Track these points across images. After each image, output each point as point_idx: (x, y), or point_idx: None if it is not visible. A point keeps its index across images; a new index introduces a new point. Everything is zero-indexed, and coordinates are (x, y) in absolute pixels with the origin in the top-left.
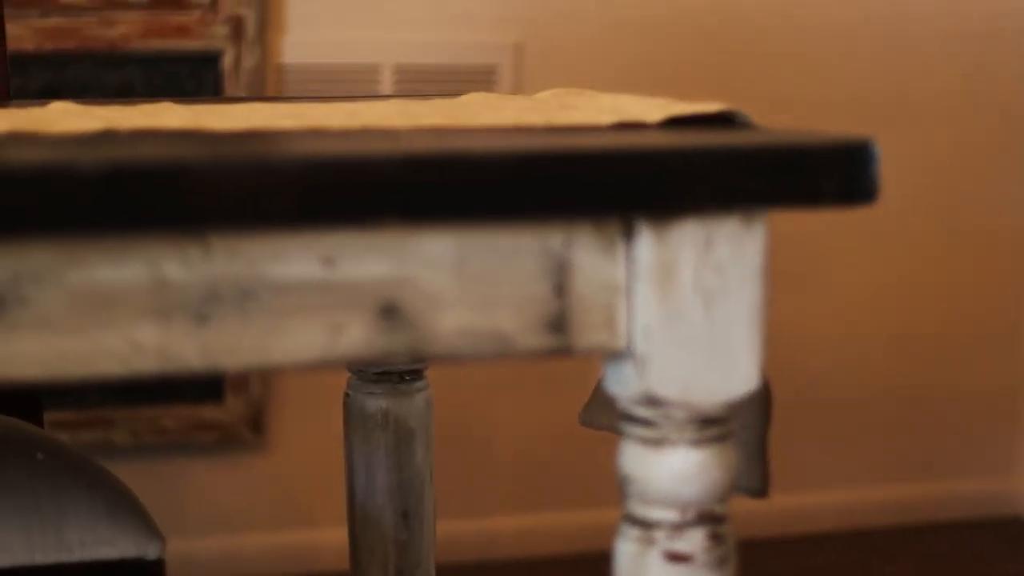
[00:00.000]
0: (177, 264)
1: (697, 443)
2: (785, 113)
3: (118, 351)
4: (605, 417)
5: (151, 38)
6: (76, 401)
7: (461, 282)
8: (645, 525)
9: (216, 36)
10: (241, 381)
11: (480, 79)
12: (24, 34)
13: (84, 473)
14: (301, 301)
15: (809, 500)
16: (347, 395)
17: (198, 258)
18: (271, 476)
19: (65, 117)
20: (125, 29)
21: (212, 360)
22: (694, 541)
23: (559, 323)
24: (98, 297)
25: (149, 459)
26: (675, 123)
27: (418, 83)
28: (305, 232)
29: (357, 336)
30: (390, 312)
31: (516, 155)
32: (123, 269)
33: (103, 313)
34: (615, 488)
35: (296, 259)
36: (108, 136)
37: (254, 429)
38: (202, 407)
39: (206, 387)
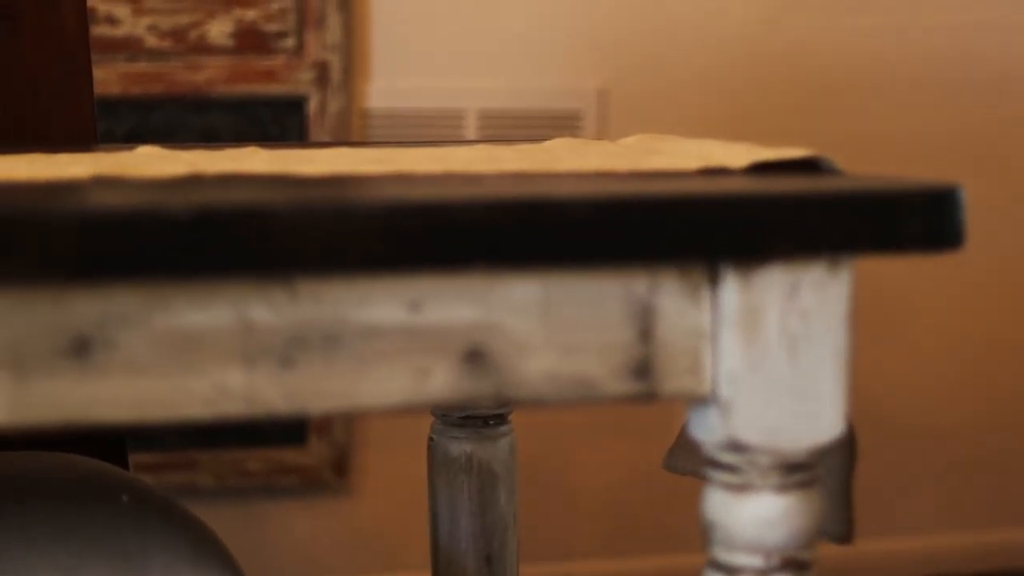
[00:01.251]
0: (263, 308)
1: (782, 489)
2: (871, 160)
3: (204, 394)
4: (689, 462)
5: (237, 83)
6: (160, 443)
7: (546, 327)
8: (730, 571)
9: (302, 81)
10: (325, 424)
11: (564, 124)
12: (111, 78)
13: (169, 516)
14: (387, 345)
15: (894, 546)
16: (431, 439)
17: (284, 302)
18: (354, 519)
19: (151, 161)
20: (211, 74)
21: (298, 404)
22: None
23: (644, 368)
24: (184, 340)
25: (232, 502)
26: (760, 169)
27: (503, 129)
28: (391, 277)
29: (443, 380)
30: (476, 357)
31: (601, 200)
32: (209, 313)
33: (189, 356)
34: (699, 533)
35: (382, 303)
36: (194, 180)
37: (337, 472)
38: (286, 450)
39: (290, 430)
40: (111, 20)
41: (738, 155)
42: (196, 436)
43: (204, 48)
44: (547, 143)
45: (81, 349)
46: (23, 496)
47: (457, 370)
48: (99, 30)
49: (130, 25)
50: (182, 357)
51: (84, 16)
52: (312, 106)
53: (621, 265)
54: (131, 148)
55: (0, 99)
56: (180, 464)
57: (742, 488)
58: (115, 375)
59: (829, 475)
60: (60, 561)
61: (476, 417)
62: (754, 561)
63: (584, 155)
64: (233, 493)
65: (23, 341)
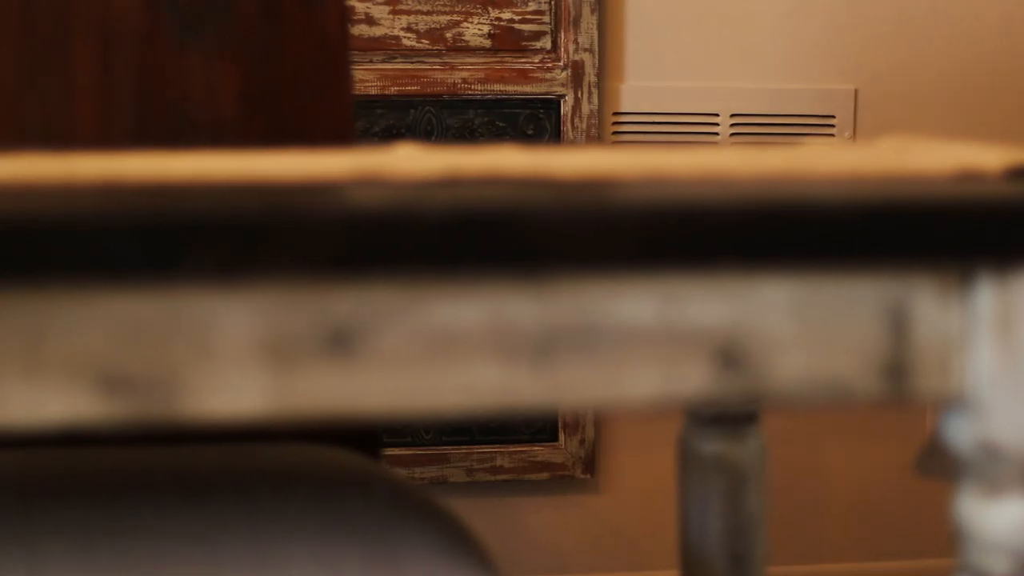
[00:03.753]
0: (518, 305)
1: None
2: None
3: (460, 389)
4: (941, 466)
5: (492, 83)
6: (413, 437)
7: (799, 328)
8: (980, 575)
9: (556, 81)
10: (575, 422)
11: (817, 127)
12: (368, 78)
13: (423, 510)
14: (640, 343)
15: None
16: (682, 439)
17: (540, 299)
18: (603, 517)
19: (410, 160)
20: (467, 73)
21: (551, 400)
22: None
23: (897, 370)
24: (441, 336)
25: (483, 497)
26: (1016, 172)
27: (755, 130)
28: (646, 276)
29: (695, 380)
30: (728, 356)
31: (855, 203)
32: (466, 309)
33: (446, 352)
34: (950, 537)
35: (636, 302)
36: (452, 180)
37: (587, 470)
38: (536, 447)
39: (540, 427)
40: (369, 20)
41: (993, 158)
42: (447, 430)
43: (460, 48)
44: (801, 145)
45: (340, 343)
46: (281, 489)
47: (710, 369)
48: (357, 30)
49: (388, 25)
50: (439, 352)
51: (344, 16)
52: (566, 106)
53: (876, 267)
54: (389, 147)
55: (262, 98)
56: (432, 458)
57: (995, 491)
58: (373, 369)
59: None
60: (317, 553)
61: (727, 417)
62: (1006, 565)
63: (838, 157)
64: (483, 488)
65: (285, 334)
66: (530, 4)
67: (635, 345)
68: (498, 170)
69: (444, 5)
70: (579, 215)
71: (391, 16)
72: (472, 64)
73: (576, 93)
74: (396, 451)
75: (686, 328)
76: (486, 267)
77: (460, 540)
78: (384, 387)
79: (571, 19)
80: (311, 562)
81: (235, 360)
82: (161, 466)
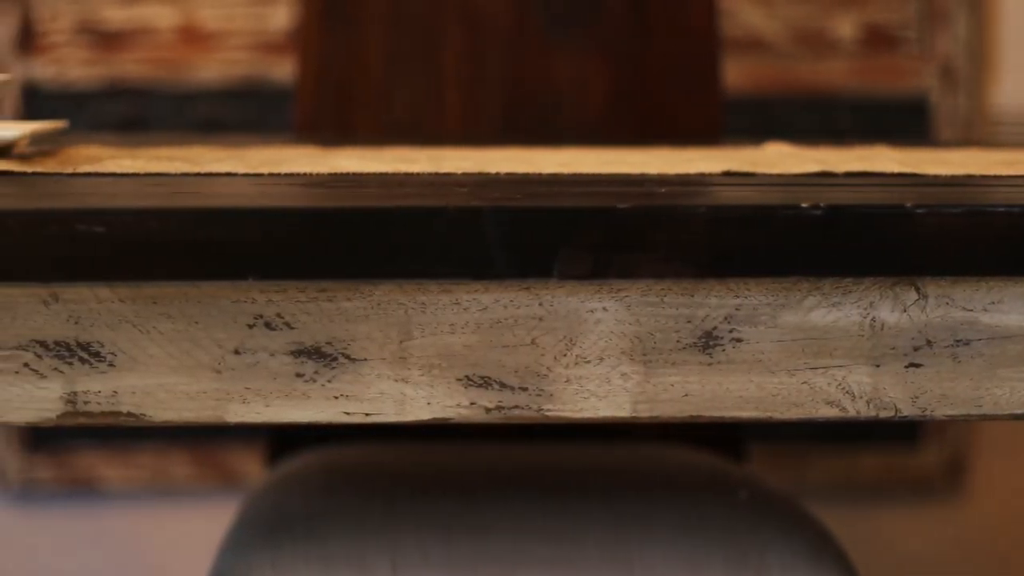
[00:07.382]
0: (891, 309)
1: None
2: None
3: (828, 394)
4: None
5: (859, 80)
6: (772, 438)
7: None
8: None
9: (926, 80)
10: (940, 426)
11: None
12: (736, 75)
13: (785, 513)
14: (1016, 351)
15: None
16: None
17: (912, 303)
18: (969, 526)
19: (781, 158)
20: (834, 71)
21: (923, 408)
22: None
23: None
24: (810, 338)
25: (843, 501)
26: None
27: None
28: (1021, 280)
29: None
30: None
31: None
32: (836, 312)
33: (815, 355)
34: None
35: (1011, 307)
36: (824, 178)
37: (953, 477)
38: (899, 451)
39: (903, 431)
40: (735, 16)
41: None
42: (806, 432)
43: (828, 46)
44: None
45: (708, 343)
46: (643, 489)
47: None
48: (723, 26)
49: (753, 22)
50: (808, 356)
51: (713, 13)
52: (937, 106)
53: None
54: (759, 144)
55: (630, 95)
56: (792, 460)
57: None
58: (740, 370)
59: None
60: (681, 553)
61: None
62: None
63: None
64: (844, 492)
65: (652, 334)
66: (900, 1)
67: (1011, 352)
68: (870, 169)
69: (812, 3)
70: (953, 215)
71: (757, 13)
72: (840, 61)
73: (947, 93)
74: (756, 451)
75: None
76: (858, 267)
77: (824, 547)
78: (750, 390)
79: (943, 16)
80: (672, 565)
81: (603, 359)
82: (523, 463)
